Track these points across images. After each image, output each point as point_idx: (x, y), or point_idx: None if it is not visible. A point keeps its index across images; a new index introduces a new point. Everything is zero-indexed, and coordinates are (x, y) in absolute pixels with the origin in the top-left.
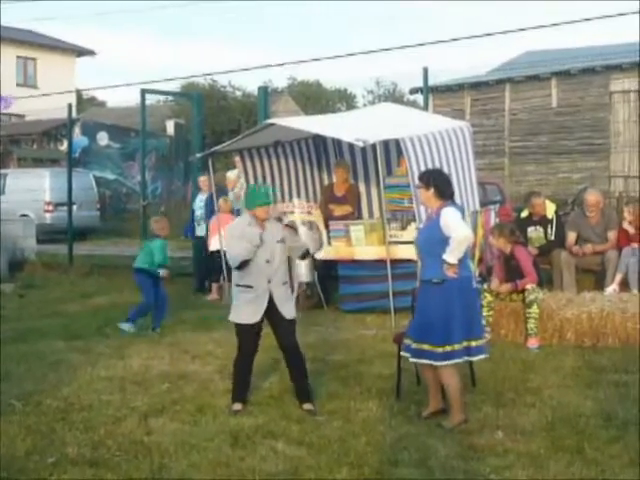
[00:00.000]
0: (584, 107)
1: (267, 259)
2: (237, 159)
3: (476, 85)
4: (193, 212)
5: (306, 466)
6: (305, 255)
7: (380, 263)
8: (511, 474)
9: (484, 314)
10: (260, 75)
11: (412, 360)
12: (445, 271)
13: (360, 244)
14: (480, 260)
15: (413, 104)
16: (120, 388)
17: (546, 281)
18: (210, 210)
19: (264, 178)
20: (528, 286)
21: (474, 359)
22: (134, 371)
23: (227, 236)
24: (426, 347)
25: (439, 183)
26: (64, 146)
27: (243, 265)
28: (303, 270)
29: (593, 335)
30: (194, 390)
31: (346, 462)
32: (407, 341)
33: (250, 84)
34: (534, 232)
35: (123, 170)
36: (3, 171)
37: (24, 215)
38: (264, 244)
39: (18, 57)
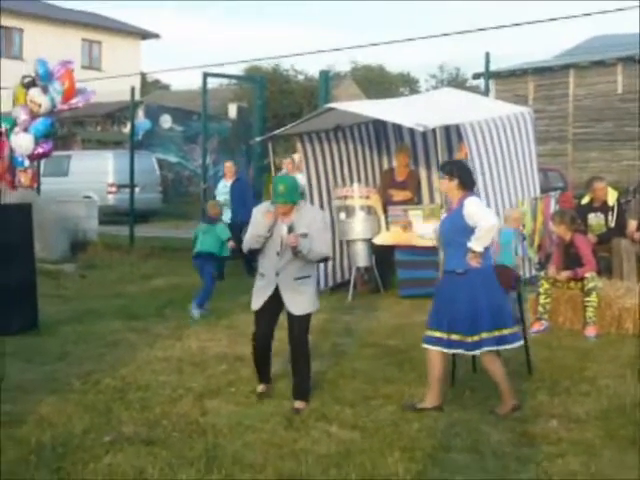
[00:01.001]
0: None
1: (277, 251)
2: (299, 145)
3: (540, 70)
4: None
5: (358, 449)
6: (324, 260)
7: (437, 249)
8: (564, 462)
9: (541, 301)
10: (324, 59)
11: (434, 348)
12: (469, 260)
13: (418, 229)
14: (539, 247)
15: (476, 89)
16: (177, 369)
17: (605, 269)
18: (238, 196)
19: (324, 162)
20: (587, 274)
21: (508, 347)
22: (191, 352)
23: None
24: (456, 337)
25: (463, 174)
26: (127, 128)
27: (253, 253)
28: (361, 255)
29: None
30: (250, 372)
31: (398, 446)
32: (434, 333)
33: (313, 68)
34: (594, 219)
35: (185, 153)
36: (67, 153)
37: (87, 196)
38: (276, 235)
39: (83, 40)
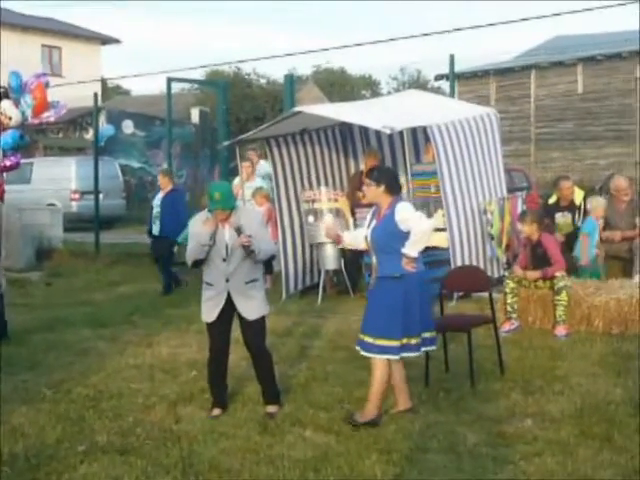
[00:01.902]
0: (610, 93)
1: (223, 257)
2: (251, 153)
3: (501, 71)
4: (151, 209)
5: (335, 453)
6: (272, 258)
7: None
8: (540, 461)
9: (508, 300)
10: (284, 63)
11: (364, 354)
12: (404, 265)
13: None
14: (507, 247)
15: (437, 91)
16: (149, 376)
17: (573, 268)
18: (169, 209)
19: (291, 166)
20: (557, 273)
21: (428, 349)
22: (162, 359)
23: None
24: (385, 343)
25: (389, 179)
26: (89, 134)
27: (197, 264)
28: (329, 258)
29: (621, 322)
30: None
31: (375, 449)
32: (365, 338)
33: (274, 72)
34: (562, 218)
35: (148, 158)
36: (29, 160)
37: (51, 204)
38: (220, 242)
39: (43, 46)
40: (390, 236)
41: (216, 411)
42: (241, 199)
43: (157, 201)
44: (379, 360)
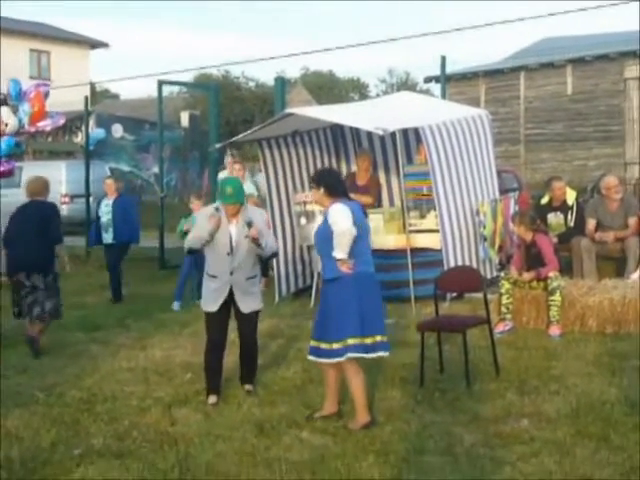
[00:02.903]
0: (599, 94)
1: (228, 251)
2: (229, 160)
3: (491, 73)
4: (99, 219)
5: (332, 454)
6: (274, 255)
7: (400, 252)
8: (537, 461)
9: (503, 301)
10: (274, 66)
11: (310, 358)
12: (339, 267)
13: (379, 233)
14: (500, 248)
15: (426, 93)
16: (143, 379)
17: (566, 268)
18: (120, 214)
19: (283, 168)
20: (550, 274)
21: (373, 355)
22: (156, 362)
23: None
24: (323, 345)
25: (328, 182)
26: (79, 138)
27: (192, 252)
28: None
29: (615, 322)
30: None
31: (372, 450)
32: (313, 343)
33: (263, 75)
34: (554, 218)
35: (138, 162)
36: (19, 164)
37: None
38: (226, 236)
39: (31, 50)
40: (325, 239)
41: (212, 398)
42: None
43: (106, 208)
44: (344, 365)
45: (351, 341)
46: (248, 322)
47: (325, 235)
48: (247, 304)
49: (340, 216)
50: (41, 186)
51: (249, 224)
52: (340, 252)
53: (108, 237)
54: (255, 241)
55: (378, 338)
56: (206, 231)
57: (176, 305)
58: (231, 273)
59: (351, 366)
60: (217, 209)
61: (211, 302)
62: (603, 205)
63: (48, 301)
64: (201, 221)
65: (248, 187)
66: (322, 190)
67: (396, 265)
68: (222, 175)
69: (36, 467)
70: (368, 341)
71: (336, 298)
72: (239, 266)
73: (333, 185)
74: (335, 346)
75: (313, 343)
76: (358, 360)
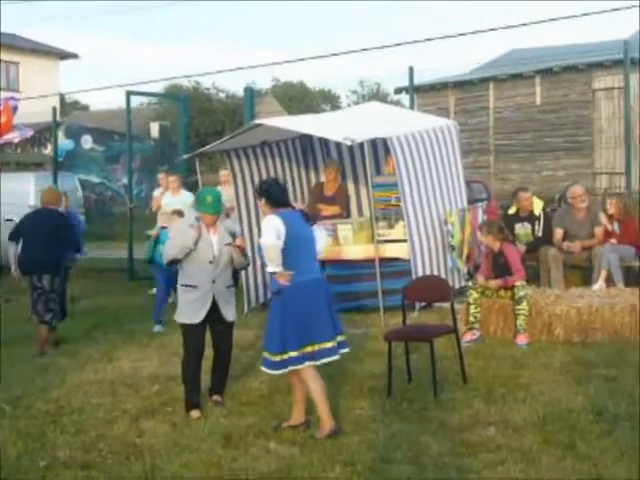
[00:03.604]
0: (568, 105)
1: (210, 260)
2: (161, 176)
3: (460, 84)
4: None
5: (299, 465)
6: (247, 265)
7: (368, 262)
8: (504, 469)
9: (471, 311)
10: (243, 76)
11: (262, 369)
12: (277, 280)
13: (348, 243)
14: (468, 257)
15: (397, 104)
16: (110, 391)
17: (533, 278)
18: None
19: (252, 178)
20: (517, 283)
21: (318, 363)
22: (124, 374)
23: (170, 233)
24: (266, 355)
25: (270, 192)
26: (48, 150)
27: (173, 263)
28: None
29: (582, 331)
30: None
31: (339, 460)
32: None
33: (233, 86)
34: (521, 228)
35: (108, 173)
36: None
37: (9, 220)
38: (207, 246)
39: (1, 61)
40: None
41: (196, 413)
42: (157, 211)
43: None
44: (302, 372)
45: (291, 354)
46: (228, 331)
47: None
48: (229, 312)
49: (266, 230)
50: (56, 196)
51: (233, 235)
52: (271, 265)
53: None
54: (242, 251)
55: (323, 345)
56: (192, 239)
57: (158, 327)
58: (213, 282)
59: (307, 373)
60: (197, 219)
61: (192, 313)
62: (570, 214)
63: (53, 303)
64: (184, 230)
65: (186, 198)
66: (264, 200)
67: (365, 275)
68: (157, 193)
69: (1, 479)
70: (308, 350)
71: (277, 311)
72: (220, 275)
73: (273, 196)
74: (277, 358)
75: (265, 354)
76: (317, 367)
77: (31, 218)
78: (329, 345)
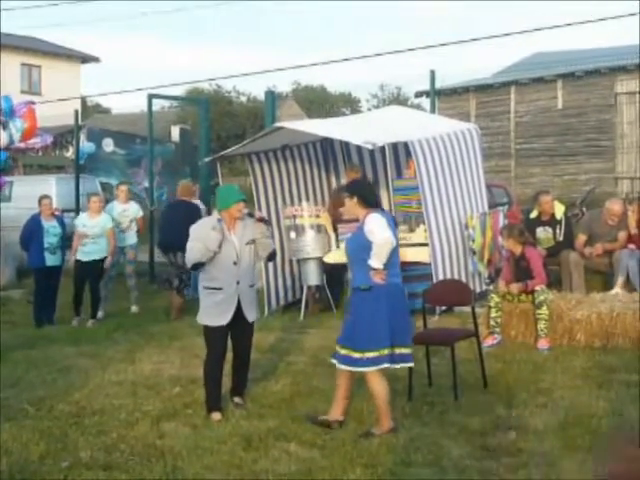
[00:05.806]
0: (589, 109)
1: (234, 260)
2: (247, 164)
3: (481, 88)
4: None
5: (319, 467)
6: (272, 256)
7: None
8: (525, 473)
9: (492, 315)
10: (265, 80)
11: (336, 363)
12: (372, 277)
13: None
14: (489, 261)
15: (417, 107)
16: (131, 392)
17: (554, 282)
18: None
19: (272, 182)
20: (537, 287)
21: (397, 366)
22: (145, 375)
23: (191, 236)
24: (345, 352)
25: (362, 192)
26: (70, 152)
27: (197, 266)
28: (312, 274)
29: (603, 336)
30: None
31: (359, 463)
32: (337, 347)
33: (255, 89)
34: (543, 233)
35: (129, 176)
36: (9, 178)
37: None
38: (231, 245)
39: (22, 64)
40: (360, 247)
41: (217, 415)
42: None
43: (55, 229)
44: (368, 374)
45: (384, 351)
46: (250, 331)
47: (359, 243)
48: (252, 313)
49: (380, 226)
50: (190, 190)
51: (250, 214)
52: (377, 262)
53: (56, 259)
54: (266, 222)
55: (404, 350)
56: (216, 242)
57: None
58: (237, 283)
59: (375, 376)
60: (219, 220)
61: (218, 315)
62: (598, 220)
63: (185, 275)
64: (206, 233)
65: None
66: (355, 199)
67: None
68: (112, 205)
69: (24, 479)
70: (397, 352)
71: (368, 308)
72: (244, 274)
73: (366, 196)
74: (369, 355)
75: (343, 351)
76: (383, 370)
77: (172, 208)
78: (406, 351)
